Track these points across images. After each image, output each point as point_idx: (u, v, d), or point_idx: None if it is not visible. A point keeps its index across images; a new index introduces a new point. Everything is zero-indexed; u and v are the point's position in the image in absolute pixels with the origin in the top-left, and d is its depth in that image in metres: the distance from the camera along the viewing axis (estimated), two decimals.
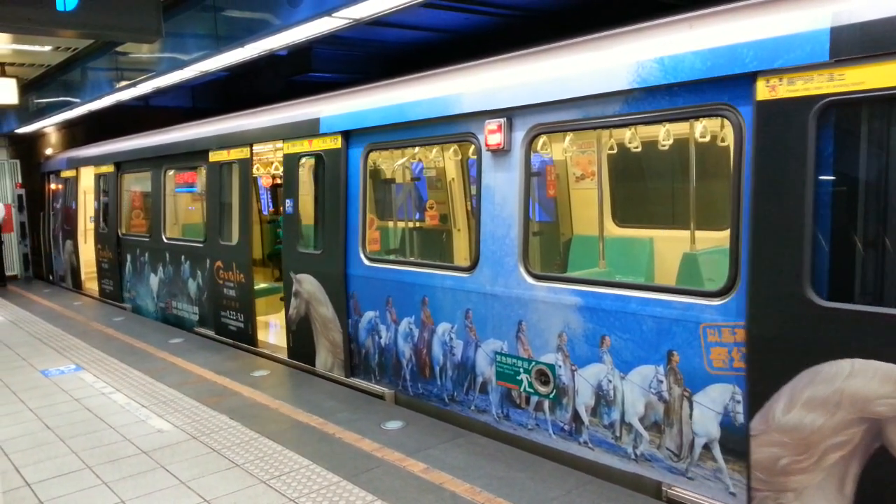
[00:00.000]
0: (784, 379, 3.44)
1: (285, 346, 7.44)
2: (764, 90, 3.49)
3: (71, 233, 13.34)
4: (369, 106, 6.05)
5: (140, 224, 11.48)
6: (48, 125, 14.89)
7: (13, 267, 15.50)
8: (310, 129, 6.70)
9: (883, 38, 3.06)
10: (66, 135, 16.33)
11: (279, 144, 7.49)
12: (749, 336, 3.58)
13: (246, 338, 8.09)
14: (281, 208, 8.12)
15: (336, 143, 6.53)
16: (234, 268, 8.11)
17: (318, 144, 6.79)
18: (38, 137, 17.22)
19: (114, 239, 11.51)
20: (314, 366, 7.02)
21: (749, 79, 3.57)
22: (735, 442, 3.72)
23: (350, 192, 6.38)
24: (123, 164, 11.21)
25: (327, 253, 6.70)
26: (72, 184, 13.27)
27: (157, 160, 10.00)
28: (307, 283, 6.97)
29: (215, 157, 8.38)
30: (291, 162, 7.20)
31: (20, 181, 15.41)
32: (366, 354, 6.30)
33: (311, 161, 7.06)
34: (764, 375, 3.53)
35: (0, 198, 15.26)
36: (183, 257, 9.37)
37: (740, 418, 3.68)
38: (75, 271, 13.35)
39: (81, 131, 15.25)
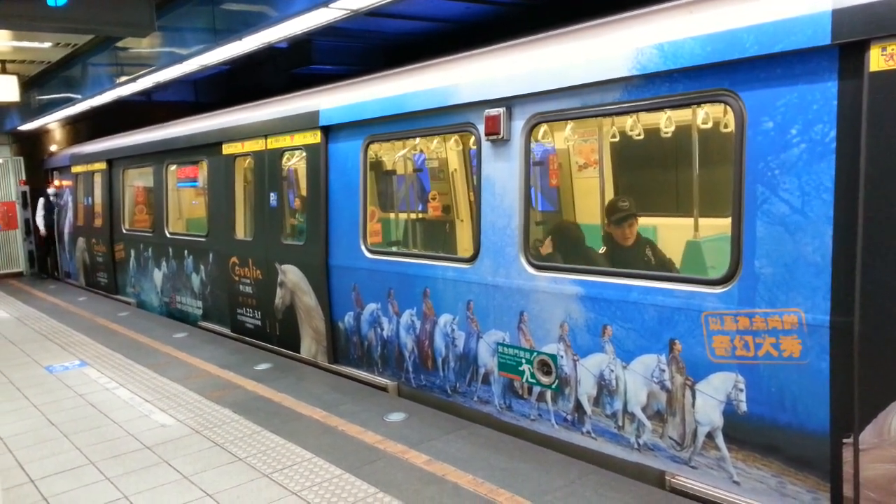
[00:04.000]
0: None
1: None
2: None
3: (84, 230, 13.08)
4: (365, 98, 6.00)
5: (144, 219, 11.47)
6: (51, 122, 14.89)
7: (19, 263, 15.55)
8: (310, 121, 6.66)
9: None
10: (70, 131, 16.35)
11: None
12: (860, 337, 3.20)
13: (264, 336, 7.81)
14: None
15: (315, 137, 6.56)
16: (251, 264, 7.85)
17: (300, 139, 6.80)
18: (41, 134, 17.25)
19: (119, 233, 11.53)
20: (299, 353, 7.13)
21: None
22: (738, 430, 3.69)
23: (348, 185, 6.34)
24: (142, 157, 10.74)
25: (310, 244, 6.77)
26: (84, 179, 12.93)
27: (162, 155, 9.98)
28: (291, 274, 7.07)
29: (229, 149, 8.18)
30: (274, 156, 7.30)
31: (24, 178, 15.43)
32: (368, 346, 6.29)
33: (297, 155, 7.08)
34: (878, 382, 3.18)
35: (4, 195, 15.30)
36: (186, 251, 9.37)
37: (743, 406, 3.65)
38: (87, 269, 13.21)
39: (85, 127, 15.25)
